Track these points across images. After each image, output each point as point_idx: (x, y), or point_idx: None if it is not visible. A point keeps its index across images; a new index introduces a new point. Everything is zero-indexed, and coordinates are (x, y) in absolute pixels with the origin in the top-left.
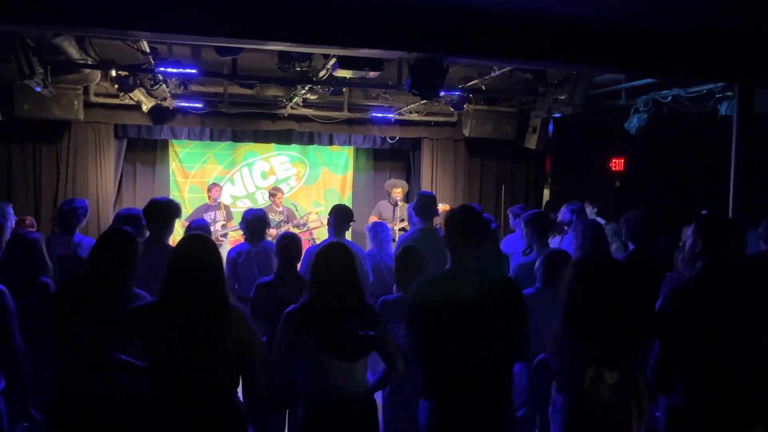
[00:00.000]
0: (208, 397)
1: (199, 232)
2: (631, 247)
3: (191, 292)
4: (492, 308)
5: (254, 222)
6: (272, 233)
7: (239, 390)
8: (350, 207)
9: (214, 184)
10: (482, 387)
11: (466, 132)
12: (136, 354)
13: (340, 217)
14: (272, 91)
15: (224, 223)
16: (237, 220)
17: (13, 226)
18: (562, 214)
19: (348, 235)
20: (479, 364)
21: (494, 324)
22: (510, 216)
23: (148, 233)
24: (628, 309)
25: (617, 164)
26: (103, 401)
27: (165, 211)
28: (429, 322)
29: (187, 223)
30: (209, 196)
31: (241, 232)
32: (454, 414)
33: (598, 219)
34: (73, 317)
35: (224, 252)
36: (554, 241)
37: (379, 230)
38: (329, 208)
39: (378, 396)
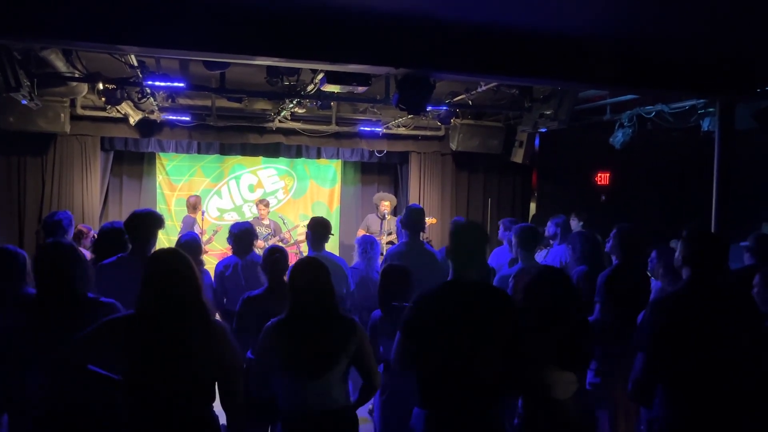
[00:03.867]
0: (184, 410)
1: (188, 244)
2: (614, 261)
3: (165, 304)
4: (489, 319)
5: (241, 234)
6: (261, 245)
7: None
8: (329, 220)
9: (196, 197)
10: (477, 396)
11: (454, 146)
12: (112, 365)
13: (317, 230)
14: (260, 105)
15: (209, 236)
16: (212, 232)
17: None
18: (548, 227)
19: (336, 248)
20: (475, 373)
21: (490, 335)
22: (500, 228)
23: (131, 246)
24: (570, 317)
25: (603, 178)
26: (81, 411)
27: (146, 223)
28: (428, 331)
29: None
30: (193, 209)
31: (227, 245)
32: (448, 422)
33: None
34: (40, 330)
35: (211, 266)
36: (539, 255)
37: (368, 247)
38: None
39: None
